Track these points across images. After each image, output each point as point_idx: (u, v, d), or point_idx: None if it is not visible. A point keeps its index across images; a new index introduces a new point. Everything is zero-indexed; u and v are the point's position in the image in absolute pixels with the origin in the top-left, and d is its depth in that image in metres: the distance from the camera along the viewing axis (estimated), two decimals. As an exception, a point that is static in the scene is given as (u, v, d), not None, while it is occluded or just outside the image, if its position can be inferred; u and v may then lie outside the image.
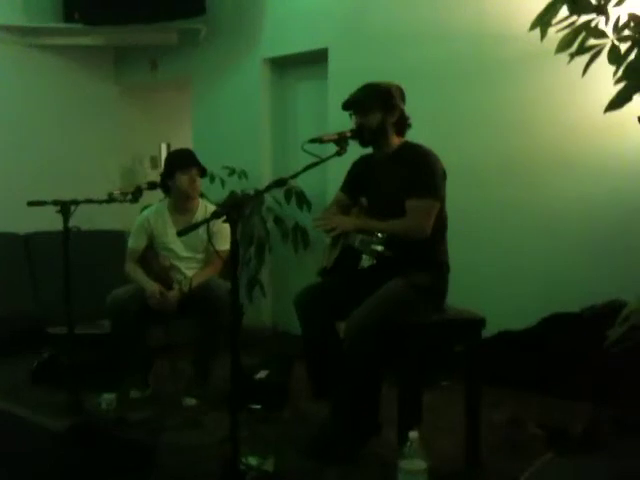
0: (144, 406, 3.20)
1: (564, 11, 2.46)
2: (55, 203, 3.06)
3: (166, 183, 3.47)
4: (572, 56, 2.52)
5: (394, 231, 2.47)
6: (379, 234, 2.23)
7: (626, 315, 2.13)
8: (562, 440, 2.59)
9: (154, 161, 5.93)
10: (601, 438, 2.54)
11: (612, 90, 2.33)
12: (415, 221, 2.53)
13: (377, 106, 2.65)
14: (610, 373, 2.88)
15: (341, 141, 2.57)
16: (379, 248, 2.20)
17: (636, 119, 2.45)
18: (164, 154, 5.87)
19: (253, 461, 2.39)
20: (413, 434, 2.13)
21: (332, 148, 2.56)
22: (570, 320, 3.33)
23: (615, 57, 2.42)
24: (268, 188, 2.45)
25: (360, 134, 2.67)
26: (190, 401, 3.29)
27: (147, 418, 3.00)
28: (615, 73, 2.39)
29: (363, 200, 2.81)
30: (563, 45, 2.52)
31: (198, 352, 3.42)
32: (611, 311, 3.03)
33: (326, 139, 2.59)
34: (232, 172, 4.74)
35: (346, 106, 2.72)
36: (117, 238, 4.75)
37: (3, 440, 2.41)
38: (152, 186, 3.40)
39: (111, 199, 3.20)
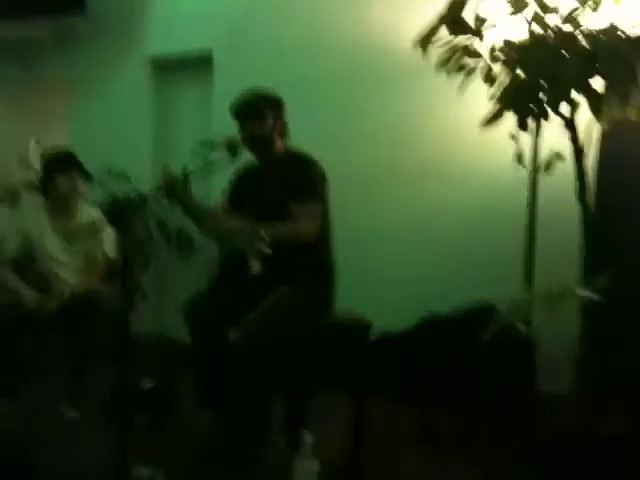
0: (14, 417, 3.02)
1: (445, 30, 2.63)
2: None
3: (45, 186, 3.32)
4: (449, 73, 2.70)
5: (284, 234, 2.48)
6: (261, 232, 2.26)
7: (497, 318, 2.29)
8: (433, 441, 2.73)
9: (23, 159, 5.62)
10: (470, 440, 2.70)
11: (489, 106, 2.51)
12: (303, 224, 2.55)
13: (270, 113, 2.69)
14: (481, 374, 3.04)
15: (232, 146, 2.57)
16: (261, 246, 2.22)
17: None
18: (33, 151, 5.57)
19: (144, 473, 2.34)
20: (306, 436, 2.19)
21: (220, 153, 2.54)
22: (442, 322, 3.49)
23: (488, 76, 2.61)
24: (153, 193, 2.42)
25: (252, 140, 2.68)
26: (70, 413, 3.16)
27: (18, 429, 2.84)
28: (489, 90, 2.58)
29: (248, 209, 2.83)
30: (441, 63, 2.69)
31: (78, 362, 3.29)
32: (479, 312, 3.23)
33: (217, 144, 2.57)
34: (110, 173, 4.58)
35: (239, 111, 2.71)
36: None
37: None
38: (29, 187, 3.24)
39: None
